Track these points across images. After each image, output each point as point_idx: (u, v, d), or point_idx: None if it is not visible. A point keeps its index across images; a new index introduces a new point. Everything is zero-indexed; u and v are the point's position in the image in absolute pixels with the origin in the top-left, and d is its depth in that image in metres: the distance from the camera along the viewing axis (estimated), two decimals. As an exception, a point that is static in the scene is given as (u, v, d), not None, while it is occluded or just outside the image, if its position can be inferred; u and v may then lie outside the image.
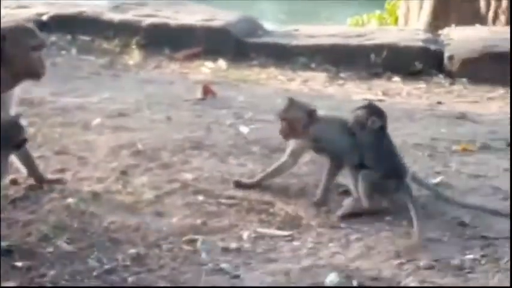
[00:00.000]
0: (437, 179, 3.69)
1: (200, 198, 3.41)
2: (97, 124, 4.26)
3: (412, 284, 2.77)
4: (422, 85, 5.79)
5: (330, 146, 3.41)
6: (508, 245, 3.04)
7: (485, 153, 4.11)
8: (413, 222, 3.13)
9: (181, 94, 5.13)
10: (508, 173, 3.79)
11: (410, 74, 5.94)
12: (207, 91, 5.10)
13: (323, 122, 3.46)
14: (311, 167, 3.72)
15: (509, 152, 4.09)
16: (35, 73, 2.72)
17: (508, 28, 7.36)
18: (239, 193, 3.47)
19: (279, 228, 3.18)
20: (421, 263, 2.90)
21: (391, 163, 3.38)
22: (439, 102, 5.30)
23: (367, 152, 3.37)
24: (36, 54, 2.65)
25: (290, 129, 3.42)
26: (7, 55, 2.60)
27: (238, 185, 3.50)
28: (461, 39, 6.34)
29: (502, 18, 8.71)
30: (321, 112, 3.53)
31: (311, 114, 3.42)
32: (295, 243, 3.07)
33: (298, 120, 3.40)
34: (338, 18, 12.68)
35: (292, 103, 3.47)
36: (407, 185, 3.33)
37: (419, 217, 3.14)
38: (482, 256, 2.97)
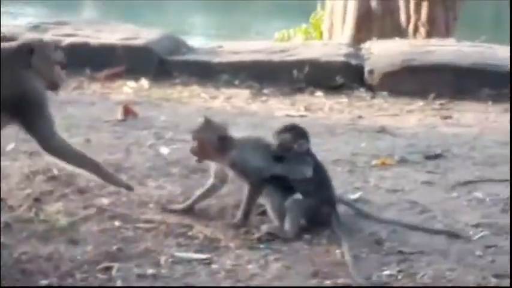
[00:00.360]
0: (356, 195, 3.72)
1: (116, 223, 3.33)
2: (11, 149, 4.14)
3: (330, 303, 2.77)
4: (344, 99, 5.85)
5: (248, 171, 3.36)
6: (423, 259, 3.08)
7: (403, 166, 4.16)
8: (343, 244, 3.13)
9: (102, 115, 5.04)
10: (425, 186, 3.86)
11: (332, 88, 6.00)
12: (127, 111, 5.03)
13: (239, 146, 3.38)
14: (231, 186, 3.69)
15: (425, 165, 4.16)
16: (55, 85, 2.99)
17: (426, 41, 7.55)
18: (157, 217, 3.41)
19: (197, 252, 3.14)
20: (339, 281, 2.90)
21: (325, 190, 3.35)
22: (360, 117, 5.36)
23: (297, 178, 3.33)
24: (58, 68, 2.93)
25: (201, 151, 3.37)
26: (34, 67, 2.85)
27: (168, 211, 3.42)
28: (381, 53, 6.44)
29: (422, 30, 8.91)
30: (238, 133, 3.49)
31: (223, 139, 3.35)
32: (214, 266, 3.03)
33: (210, 143, 3.34)
34: (268, 32, 12.77)
35: (207, 124, 3.42)
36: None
37: (345, 238, 3.14)
38: (399, 272, 2.99)
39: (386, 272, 2.99)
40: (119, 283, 2.86)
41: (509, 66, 5.97)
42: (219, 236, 3.25)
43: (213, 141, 3.34)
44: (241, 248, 3.18)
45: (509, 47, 6.75)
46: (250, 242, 3.21)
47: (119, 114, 4.99)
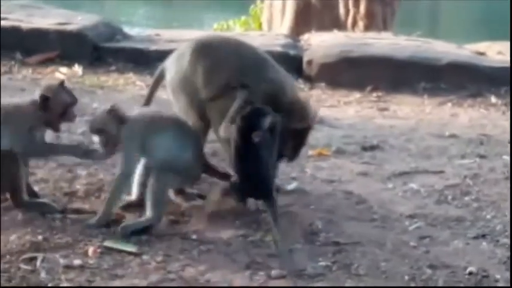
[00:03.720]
0: (293, 185, 3.66)
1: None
2: None
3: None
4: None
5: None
6: (359, 249, 3.04)
7: (339, 157, 4.13)
8: (273, 234, 3.06)
9: (32, 101, 4.85)
10: (361, 177, 3.84)
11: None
12: (58, 98, 4.85)
13: (132, 121, 3.18)
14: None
15: (362, 156, 4.14)
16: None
17: (364, 34, 7.57)
18: (86, 206, 3.29)
19: (127, 242, 3.03)
20: (273, 273, 2.84)
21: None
22: (298, 107, 5.31)
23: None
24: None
25: (107, 141, 3.18)
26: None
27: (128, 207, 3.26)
28: (319, 44, 6.42)
29: (360, 24, 8.97)
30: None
31: (111, 113, 3.16)
32: (145, 257, 2.92)
33: (106, 126, 3.17)
34: (208, 24, 12.65)
35: (102, 112, 3.23)
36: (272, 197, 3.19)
37: (278, 227, 3.07)
38: (334, 262, 2.95)
39: (322, 263, 2.94)
40: (43, 274, 2.73)
41: (445, 60, 6.03)
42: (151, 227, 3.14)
43: (106, 122, 3.17)
44: (174, 238, 3.09)
45: (444, 42, 6.83)
46: (183, 232, 3.12)
47: (49, 101, 4.81)
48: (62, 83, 3.28)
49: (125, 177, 3.17)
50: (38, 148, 3.22)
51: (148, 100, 3.74)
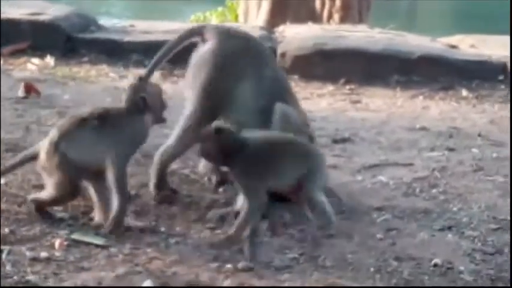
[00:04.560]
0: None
1: (11, 205, 3.18)
2: None
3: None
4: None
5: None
6: (326, 242, 3.06)
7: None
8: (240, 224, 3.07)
9: (3, 92, 4.81)
10: (331, 170, 3.85)
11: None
12: (29, 89, 4.83)
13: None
14: (134, 168, 3.59)
15: (333, 149, 4.16)
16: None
17: (339, 26, 7.59)
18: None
19: (96, 234, 3.02)
20: (240, 265, 2.85)
21: None
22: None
23: None
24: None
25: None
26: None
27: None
28: (294, 36, 6.42)
29: (336, 17, 8.99)
30: None
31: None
32: (112, 249, 2.92)
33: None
34: (186, 15, 12.60)
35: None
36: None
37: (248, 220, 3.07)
38: (301, 254, 2.96)
39: (289, 255, 2.95)
40: (8, 267, 2.71)
41: (418, 53, 6.06)
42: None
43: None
44: (143, 230, 3.08)
45: (418, 36, 6.87)
46: (152, 225, 3.12)
47: (20, 92, 4.78)
48: (140, 78, 3.19)
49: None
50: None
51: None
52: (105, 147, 3.00)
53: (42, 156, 3.02)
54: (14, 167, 3.18)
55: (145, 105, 3.10)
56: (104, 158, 3.01)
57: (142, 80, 3.20)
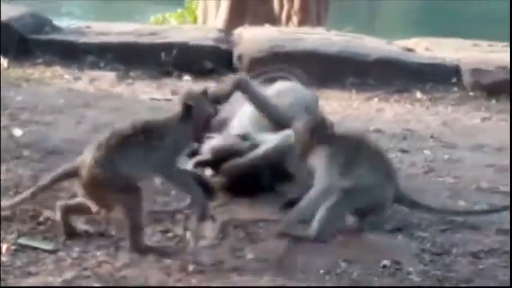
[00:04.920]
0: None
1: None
2: None
3: (179, 290, 2.70)
4: (212, 84, 5.78)
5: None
6: (277, 243, 3.07)
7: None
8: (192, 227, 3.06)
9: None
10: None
11: (200, 73, 5.92)
12: (-20, 91, 4.75)
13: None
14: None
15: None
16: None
17: (296, 29, 7.63)
18: (2, 202, 3.22)
19: (44, 239, 2.98)
20: (190, 268, 2.84)
21: None
22: (227, 102, 5.31)
23: None
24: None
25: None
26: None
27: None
28: (251, 38, 6.43)
29: (294, 19, 9.02)
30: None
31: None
32: (60, 253, 2.89)
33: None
34: (148, 16, 12.52)
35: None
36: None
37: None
38: (252, 257, 2.96)
39: (240, 257, 2.95)
40: (-48, 272, 2.67)
41: (374, 56, 6.11)
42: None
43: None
44: (92, 234, 3.06)
45: (374, 38, 6.93)
46: (102, 228, 3.09)
47: (-30, 94, 4.71)
48: (205, 92, 3.09)
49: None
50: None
51: None
52: (153, 161, 2.94)
53: (85, 174, 2.92)
54: (47, 187, 3.02)
55: (190, 114, 2.99)
56: (153, 171, 3.00)
57: (202, 93, 3.09)
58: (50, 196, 3.30)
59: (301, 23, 8.90)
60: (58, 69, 5.77)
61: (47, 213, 3.17)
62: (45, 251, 2.89)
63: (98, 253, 2.91)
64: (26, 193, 3.02)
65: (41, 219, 3.13)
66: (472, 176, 3.93)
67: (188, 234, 3.08)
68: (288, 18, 9.04)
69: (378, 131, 4.72)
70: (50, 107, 4.66)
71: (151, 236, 3.08)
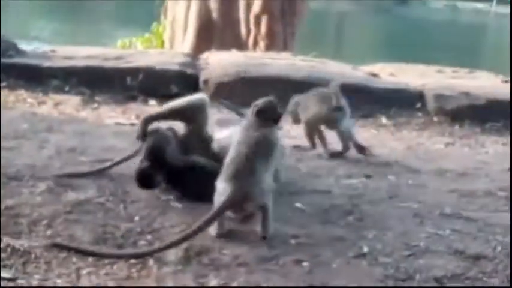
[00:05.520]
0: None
1: None
2: None
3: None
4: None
5: None
6: (242, 268, 3.05)
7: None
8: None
9: None
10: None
11: (166, 97, 5.87)
12: None
13: None
14: (46, 196, 3.52)
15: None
16: None
17: (262, 54, 7.67)
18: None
19: (3, 267, 2.92)
20: None
21: None
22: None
23: None
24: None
25: None
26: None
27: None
28: (217, 63, 6.45)
29: (261, 44, 9.09)
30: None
31: None
32: (20, 281, 2.83)
33: None
34: (116, 41, 12.51)
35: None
36: None
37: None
38: (217, 284, 2.94)
39: (205, 284, 2.93)
40: None
41: (338, 80, 6.14)
42: (28, 249, 3.04)
43: None
44: (54, 260, 3.01)
45: (339, 63, 7.00)
46: (63, 254, 3.04)
47: None
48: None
49: None
50: None
51: None
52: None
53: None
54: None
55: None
56: None
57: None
58: (10, 223, 3.26)
59: (268, 48, 8.97)
60: (22, 93, 5.71)
61: (6, 239, 3.11)
62: (4, 279, 2.83)
63: (59, 281, 2.86)
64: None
65: (1, 245, 3.08)
66: (435, 201, 3.96)
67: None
68: (255, 43, 9.10)
69: (341, 155, 4.74)
70: (13, 132, 4.60)
71: (113, 264, 3.04)
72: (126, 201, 3.62)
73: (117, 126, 5.07)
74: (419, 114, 5.98)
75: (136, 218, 3.45)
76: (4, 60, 6.15)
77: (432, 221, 3.68)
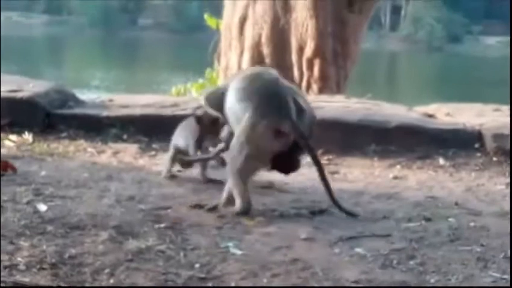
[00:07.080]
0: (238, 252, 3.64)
1: (-19, 286, 3.12)
2: None
3: None
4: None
5: None
6: None
7: (287, 222, 4.12)
8: None
9: (-22, 171, 4.80)
10: (308, 242, 3.84)
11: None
12: (5, 166, 4.81)
13: None
14: (108, 244, 3.56)
15: (310, 221, 4.15)
16: None
17: (316, 97, 7.68)
18: (26, 279, 3.21)
19: (67, 315, 2.97)
20: None
21: None
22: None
23: None
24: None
25: None
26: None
27: None
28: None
29: (314, 87, 9.10)
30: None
31: None
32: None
33: None
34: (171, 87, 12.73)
35: None
36: None
37: None
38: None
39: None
40: None
41: (394, 122, 6.13)
42: None
43: None
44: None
45: (394, 104, 6.96)
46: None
47: (-5, 170, 4.77)
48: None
49: None
50: None
51: None
52: None
53: None
54: None
55: None
56: None
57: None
58: (73, 272, 3.31)
59: (321, 91, 8.97)
60: (82, 143, 5.84)
61: (70, 289, 3.16)
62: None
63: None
64: None
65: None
66: (499, 244, 3.87)
67: None
68: (308, 86, 9.12)
69: (400, 199, 4.69)
70: (74, 181, 4.70)
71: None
72: (186, 248, 3.64)
73: (174, 174, 5.13)
74: (478, 154, 5.89)
75: (197, 265, 3.46)
76: (64, 111, 6.33)
77: (496, 264, 3.60)
